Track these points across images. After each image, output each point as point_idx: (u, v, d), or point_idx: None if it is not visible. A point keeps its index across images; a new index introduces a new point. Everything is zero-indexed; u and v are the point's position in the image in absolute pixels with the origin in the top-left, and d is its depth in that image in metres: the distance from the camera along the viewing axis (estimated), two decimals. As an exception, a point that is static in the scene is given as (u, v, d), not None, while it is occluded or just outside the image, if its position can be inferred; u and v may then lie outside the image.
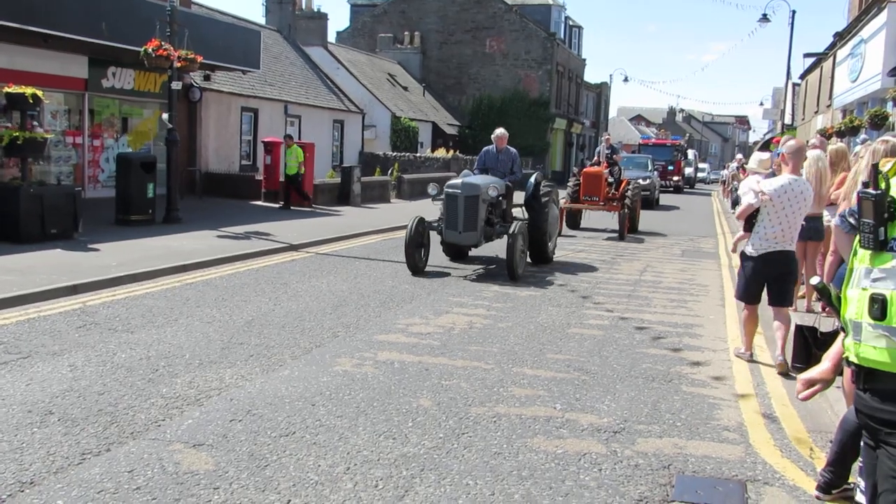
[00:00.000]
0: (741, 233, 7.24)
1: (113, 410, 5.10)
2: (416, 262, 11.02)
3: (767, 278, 6.91)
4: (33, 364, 6.04)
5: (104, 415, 5.01)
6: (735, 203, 13.59)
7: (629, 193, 18.11)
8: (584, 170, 18.38)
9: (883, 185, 2.43)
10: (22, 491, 3.93)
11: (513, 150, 12.38)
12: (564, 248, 14.78)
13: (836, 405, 5.45)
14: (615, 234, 17.66)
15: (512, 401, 5.67)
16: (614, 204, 18.26)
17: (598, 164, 19.23)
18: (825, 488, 4.24)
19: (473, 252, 13.12)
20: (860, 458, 2.67)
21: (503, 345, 7.31)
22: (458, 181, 11.39)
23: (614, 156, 19.73)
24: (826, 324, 6.49)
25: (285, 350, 6.74)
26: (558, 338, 7.72)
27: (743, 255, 7.05)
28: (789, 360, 6.64)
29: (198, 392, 5.54)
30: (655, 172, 30.59)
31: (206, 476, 4.18)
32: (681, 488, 4.34)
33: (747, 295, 7.09)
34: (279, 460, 4.42)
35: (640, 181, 24.68)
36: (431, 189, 11.92)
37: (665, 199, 32.91)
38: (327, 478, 4.23)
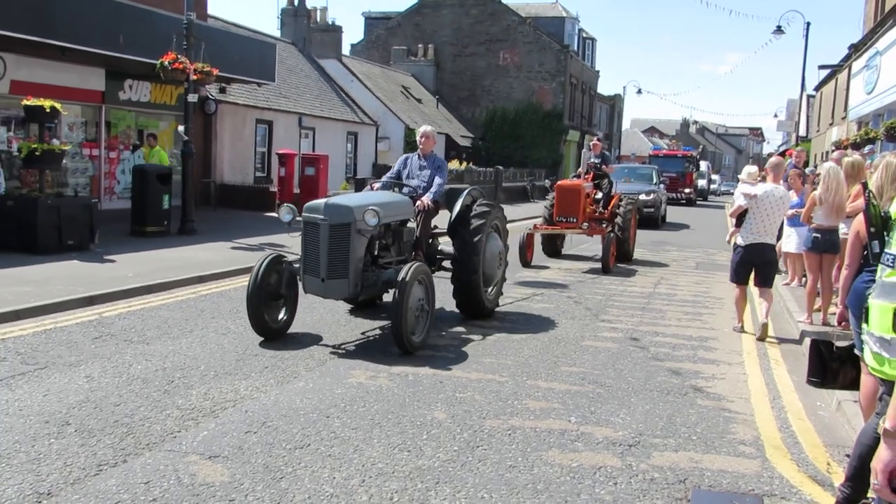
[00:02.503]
0: (733, 228, 9.15)
1: (129, 422, 5.13)
2: (263, 321, 7.45)
3: (753, 264, 8.75)
4: (50, 375, 6.08)
5: (120, 426, 5.04)
6: None
7: (621, 211, 14.85)
8: (558, 183, 14.72)
9: (875, 202, 2.44)
10: (40, 502, 3.95)
11: (440, 158, 9.15)
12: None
13: (854, 419, 5.41)
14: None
15: (526, 413, 5.66)
16: (600, 225, 14.85)
17: (583, 174, 16.02)
18: (844, 504, 4.21)
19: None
20: None
21: (517, 357, 7.30)
22: (320, 201, 7.68)
23: (603, 166, 16.00)
24: (842, 338, 6.46)
25: (300, 362, 6.76)
26: (572, 350, 7.70)
27: (735, 246, 8.91)
28: (805, 374, 6.62)
29: (213, 404, 5.56)
30: (662, 186, 27.40)
31: (222, 488, 4.19)
32: (697, 503, 4.32)
33: (738, 277, 8.93)
34: (294, 472, 4.43)
35: (643, 196, 22.65)
36: (284, 214, 7.97)
37: (675, 213, 30.08)
38: (342, 490, 4.23)
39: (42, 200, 11.83)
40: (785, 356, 7.90)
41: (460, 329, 8.43)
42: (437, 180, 8.71)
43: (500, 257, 9.09)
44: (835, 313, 9.09)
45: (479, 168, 35.52)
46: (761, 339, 8.56)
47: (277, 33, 32.48)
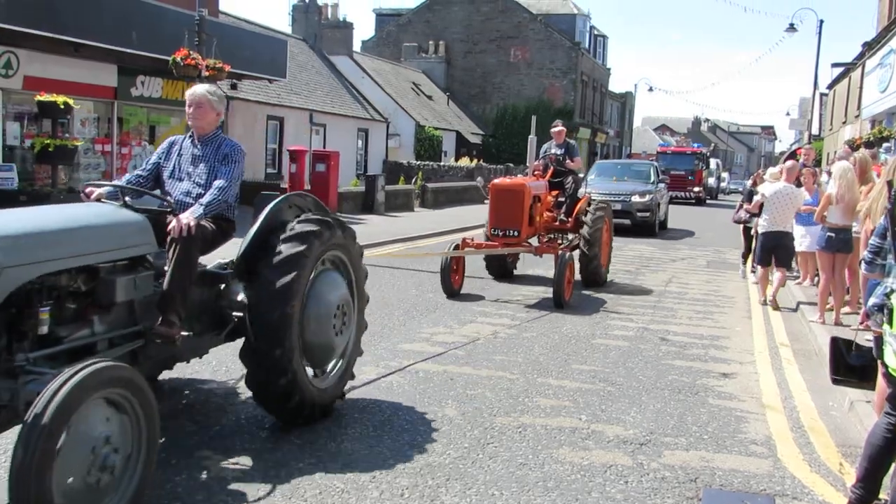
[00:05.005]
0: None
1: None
2: None
3: (772, 249, 10.22)
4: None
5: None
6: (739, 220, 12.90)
7: (588, 219, 10.97)
8: (493, 182, 10.83)
9: None
10: None
11: (230, 142, 5.21)
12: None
13: (866, 420, 5.38)
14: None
15: (537, 411, 5.66)
16: (560, 239, 11.48)
17: (540, 170, 11.86)
18: (856, 505, 4.20)
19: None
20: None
21: (528, 355, 7.29)
22: None
23: (567, 160, 11.80)
24: (861, 337, 6.43)
25: (311, 358, 6.77)
26: (583, 348, 7.69)
27: (757, 233, 10.60)
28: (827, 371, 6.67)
29: (225, 402, 5.58)
30: (664, 185, 22.94)
31: (234, 482, 4.20)
32: (708, 502, 4.31)
33: (761, 260, 10.41)
34: (306, 467, 4.44)
35: (636, 197, 19.83)
36: None
37: (681, 216, 26.01)
38: (353, 486, 4.24)
39: (54, 196, 11.90)
40: (797, 356, 7.86)
41: (470, 325, 8.43)
42: (220, 182, 4.93)
43: (344, 314, 5.22)
44: (848, 312, 9.14)
45: (490, 165, 35.52)
46: (772, 305, 10.29)
47: (289, 30, 32.55)
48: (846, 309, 9.30)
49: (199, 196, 4.91)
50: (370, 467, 4.49)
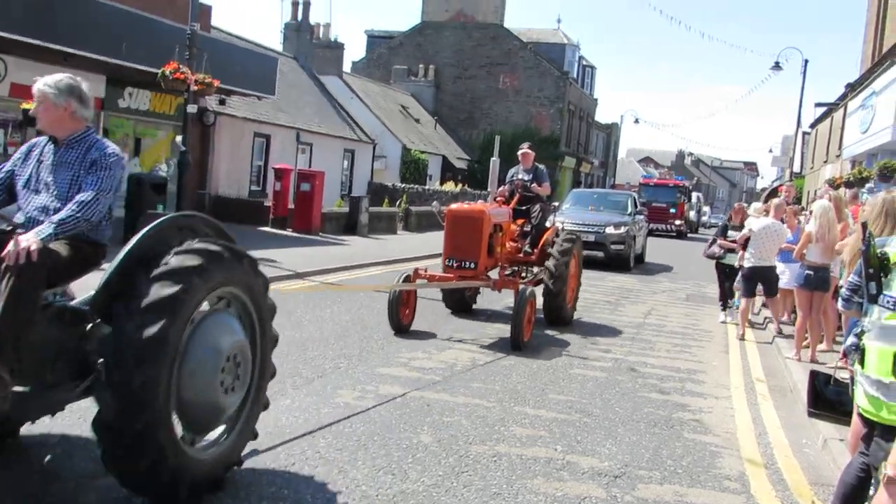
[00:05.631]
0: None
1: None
2: None
3: (759, 281, 10.84)
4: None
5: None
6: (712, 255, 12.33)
7: (554, 251, 10.18)
8: (450, 208, 9.95)
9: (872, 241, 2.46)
10: None
11: (102, 144, 4.32)
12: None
13: (840, 458, 5.41)
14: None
15: (513, 440, 5.64)
16: (520, 273, 10.88)
17: (505, 197, 11.01)
18: (826, 544, 4.21)
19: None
20: None
21: (505, 383, 7.28)
22: None
23: (533, 185, 10.91)
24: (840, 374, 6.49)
25: (287, 379, 6.72)
26: (561, 378, 7.69)
27: (741, 267, 11.00)
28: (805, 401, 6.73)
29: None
30: (642, 216, 21.92)
31: (205, 503, 4.16)
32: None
33: (746, 292, 11.03)
34: (278, 492, 4.40)
35: (610, 229, 18.69)
36: None
37: (660, 249, 25.76)
38: (325, 511, 4.20)
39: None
40: (772, 392, 7.91)
41: (448, 352, 8.41)
42: (82, 196, 4.04)
43: (237, 365, 4.20)
44: (824, 350, 9.22)
45: (475, 191, 35.63)
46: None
47: (280, 47, 32.61)
48: (822, 346, 9.38)
49: (59, 211, 4.00)
50: (343, 493, 4.45)
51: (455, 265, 9.52)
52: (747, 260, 10.72)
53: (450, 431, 5.71)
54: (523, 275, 10.82)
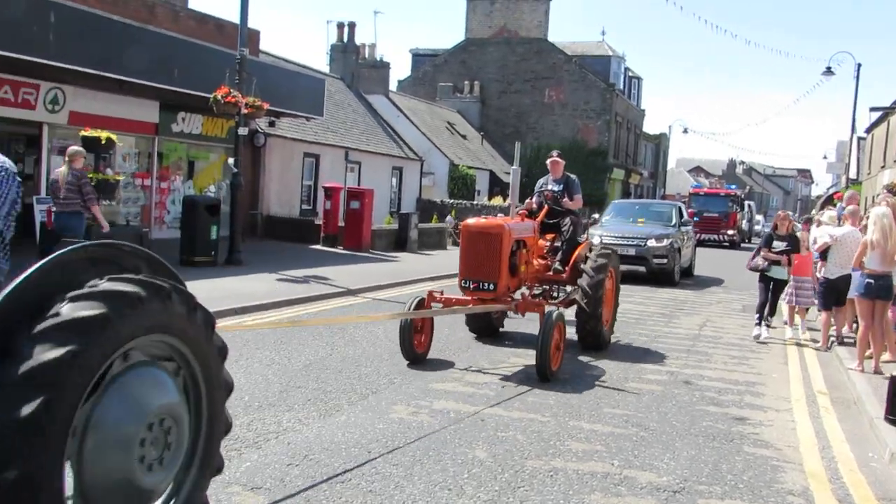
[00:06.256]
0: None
1: (174, 450, 5.17)
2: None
3: (839, 292, 10.19)
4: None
5: (165, 454, 5.08)
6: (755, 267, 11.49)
7: (588, 268, 9.23)
8: (465, 223, 8.99)
9: None
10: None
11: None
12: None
13: (908, 473, 5.24)
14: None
15: (569, 455, 5.59)
16: (550, 292, 10.01)
17: (532, 210, 10.25)
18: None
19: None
20: None
21: (559, 397, 7.23)
22: None
23: (564, 197, 10.07)
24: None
25: (342, 395, 6.78)
26: (616, 391, 7.60)
27: (823, 280, 10.60)
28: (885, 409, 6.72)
29: (256, 435, 5.60)
30: (689, 227, 20.81)
31: (263, 520, 4.20)
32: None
33: (827, 304, 10.59)
34: (335, 507, 4.43)
35: (652, 242, 17.57)
36: None
37: (712, 260, 24.69)
38: (382, 527, 4.21)
39: (96, 229, 12.10)
40: (835, 404, 7.71)
41: (503, 364, 8.39)
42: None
43: (167, 431, 3.24)
44: (888, 360, 8.95)
45: (523, 205, 35.53)
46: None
47: (327, 69, 33.10)
48: (886, 356, 9.12)
49: None
50: (400, 508, 4.46)
51: (472, 286, 8.52)
52: (828, 271, 10.34)
53: (505, 446, 5.68)
54: (554, 294, 10.02)
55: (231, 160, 15.91)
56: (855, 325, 10.40)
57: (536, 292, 9.85)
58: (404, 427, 5.99)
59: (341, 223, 20.95)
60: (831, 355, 10.10)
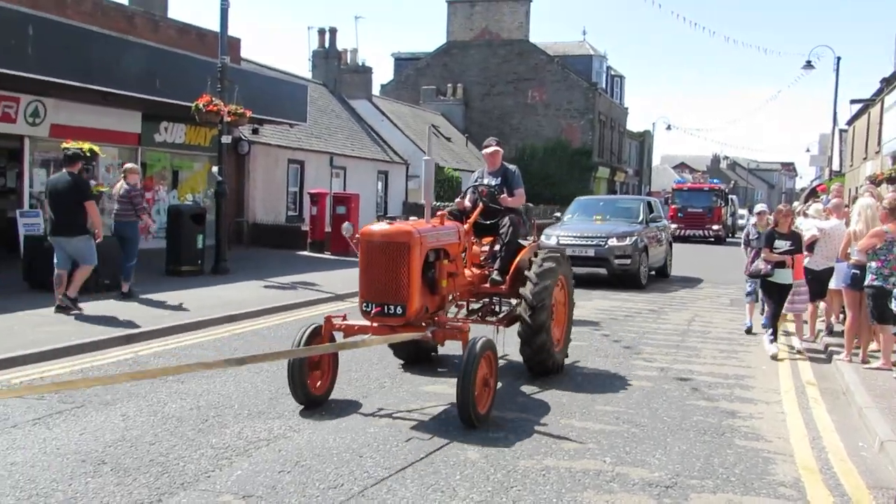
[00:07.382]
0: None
1: (164, 461, 5.15)
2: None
3: (823, 283, 10.32)
4: (87, 413, 6.14)
5: (155, 465, 5.06)
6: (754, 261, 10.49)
7: (532, 274, 7.60)
8: (363, 230, 6.70)
9: None
10: (76, 541, 3.92)
11: None
12: None
13: (898, 460, 5.28)
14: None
15: (560, 454, 5.59)
16: (487, 307, 8.34)
17: (465, 209, 8.36)
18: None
19: None
20: None
21: (550, 396, 7.23)
22: None
23: (502, 193, 8.26)
24: None
25: (332, 401, 6.75)
26: (606, 389, 7.61)
27: (807, 271, 10.23)
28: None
29: (246, 443, 5.57)
30: (663, 223, 19.45)
31: (256, 528, 4.17)
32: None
33: (815, 295, 10.46)
34: (328, 513, 4.41)
35: (613, 240, 16.02)
36: None
37: (694, 256, 23.61)
38: (376, 531, 4.19)
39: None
40: (824, 395, 7.75)
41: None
42: None
43: None
44: (875, 351, 9.01)
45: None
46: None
47: (309, 75, 33.04)
48: (873, 346, 9.17)
49: None
50: (393, 512, 4.45)
51: (375, 311, 6.49)
52: (815, 262, 10.30)
53: (497, 447, 5.68)
54: (496, 309, 8.40)
55: (215, 168, 15.83)
56: (842, 316, 10.46)
57: (476, 306, 8.35)
58: (395, 430, 5.98)
59: (328, 229, 20.93)
60: (819, 346, 10.15)
